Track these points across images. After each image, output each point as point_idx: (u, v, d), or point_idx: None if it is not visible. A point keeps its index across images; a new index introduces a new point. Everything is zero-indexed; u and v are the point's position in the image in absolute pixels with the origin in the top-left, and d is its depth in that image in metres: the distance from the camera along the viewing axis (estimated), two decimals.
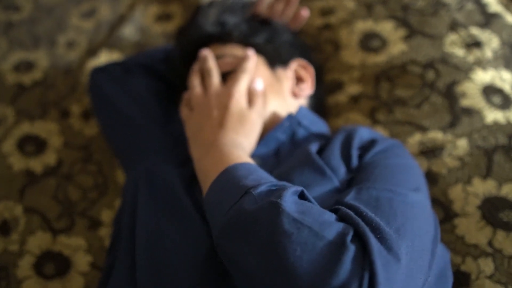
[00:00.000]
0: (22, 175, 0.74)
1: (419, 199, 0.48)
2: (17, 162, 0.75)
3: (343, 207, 0.42)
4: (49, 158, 0.76)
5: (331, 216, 0.40)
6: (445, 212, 0.59)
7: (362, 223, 0.39)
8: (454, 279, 0.52)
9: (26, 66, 0.88)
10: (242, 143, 0.55)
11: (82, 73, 0.85)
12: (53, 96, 0.83)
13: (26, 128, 0.79)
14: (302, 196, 0.43)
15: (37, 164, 0.75)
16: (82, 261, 0.66)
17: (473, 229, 0.56)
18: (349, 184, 0.51)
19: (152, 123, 0.69)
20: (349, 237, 0.37)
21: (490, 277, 0.52)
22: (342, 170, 0.52)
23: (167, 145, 0.66)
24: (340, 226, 0.38)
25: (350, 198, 0.45)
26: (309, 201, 0.43)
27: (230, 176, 0.46)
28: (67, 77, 0.87)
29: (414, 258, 0.40)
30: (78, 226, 0.69)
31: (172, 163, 0.62)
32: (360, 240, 0.37)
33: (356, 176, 0.51)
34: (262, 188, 0.42)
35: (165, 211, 0.54)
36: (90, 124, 0.80)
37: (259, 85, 0.61)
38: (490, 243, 0.54)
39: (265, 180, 0.45)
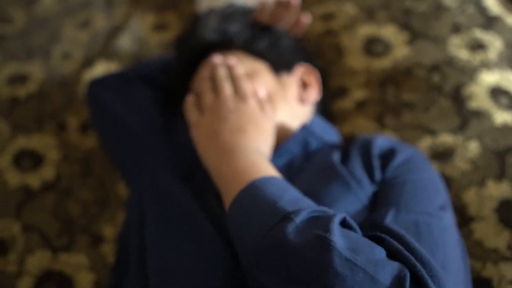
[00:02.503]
0: (18, 191, 0.71)
1: (450, 219, 0.47)
2: (13, 178, 0.72)
3: (387, 237, 0.40)
4: (47, 173, 0.73)
5: (381, 252, 0.37)
6: (461, 217, 0.57)
7: (418, 265, 0.36)
8: (475, 286, 0.51)
9: (20, 79, 0.86)
10: (264, 151, 0.53)
11: (79, 84, 0.83)
12: (49, 109, 0.81)
13: (22, 142, 0.76)
14: (344, 222, 0.40)
15: (34, 180, 0.72)
16: (84, 280, 0.63)
17: (491, 233, 0.55)
18: (374, 198, 0.49)
19: (154, 134, 0.66)
20: (407, 283, 0.34)
21: None
22: (365, 182, 0.50)
23: (171, 156, 0.64)
24: (394, 267, 0.36)
25: (389, 221, 0.43)
26: (353, 228, 0.41)
27: (262, 193, 0.43)
28: (63, 89, 0.84)
29: None
30: (79, 243, 0.66)
31: (177, 174, 0.60)
32: (417, 283, 0.35)
33: (384, 192, 0.49)
34: (304, 215, 0.39)
35: (177, 228, 0.51)
36: (88, 136, 0.77)
37: (262, 92, 0.59)
38: (509, 247, 0.53)
39: (303, 203, 0.42)
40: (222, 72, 0.60)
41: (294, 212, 0.39)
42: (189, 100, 0.61)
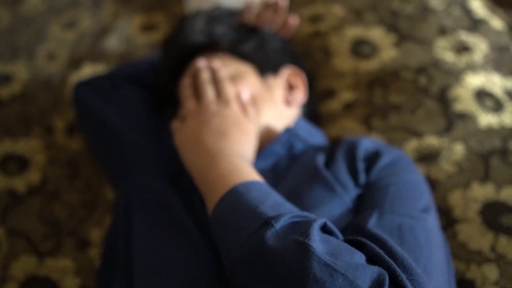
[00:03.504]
0: (4, 195, 0.69)
1: (433, 221, 0.48)
2: None
3: (368, 242, 0.40)
4: (33, 176, 0.72)
5: (361, 257, 0.38)
6: (446, 219, 0.58)
7: (398, 269, 0.37)
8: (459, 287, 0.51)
9: (3, 79, 0.84)
10: (247, 155, 0.53)
11: (65, 86, 0.82)
12: (34, 111, 0.80)
13: (7, 146, 0.75)
14: (324, 227, 0.41)
15: (20, 183, 0.71)
16: (70, 284, 0.62)
17: (475, 235, 0.55)
18: (358, 201, 0.49)
19: (141, 136, 0.66)
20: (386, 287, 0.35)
21: (495, 283, 0.51)
22: (350, 185, 0.50)
23: (158, 158, 0.64)
24: (374, 272, 0.36)
25: (372, 225, 0.43)
26: (333, 233, 0.41)
27: (243, 198, 0.43)
28: (49, 91, 0.83)
29: None
30: (65, 247, 0.65)
31: (164, 177, 0.59)
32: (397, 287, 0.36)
33: (368, 195, 0.49)
34: (284, 220, 0.39)
35: (163, 231, 0.51)
36: (75, 138, 0.76)
37: (245, 95, 0.59)
38: (493, 249, 0.54)
39: (284, 208, 0.42)
40: (205, 76, 0.60)
41: (275, 218, 0.39)
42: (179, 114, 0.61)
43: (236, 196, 0.44)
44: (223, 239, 0.43)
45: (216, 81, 0.60)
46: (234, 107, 0.57)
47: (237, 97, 0.59)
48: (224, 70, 0.61)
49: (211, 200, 0.47)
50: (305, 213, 0.42)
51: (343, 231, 0.44)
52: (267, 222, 0.39)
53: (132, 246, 0.53)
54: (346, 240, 0.41)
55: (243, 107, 0.58)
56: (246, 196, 0.43)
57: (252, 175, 0.48)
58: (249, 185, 0.45)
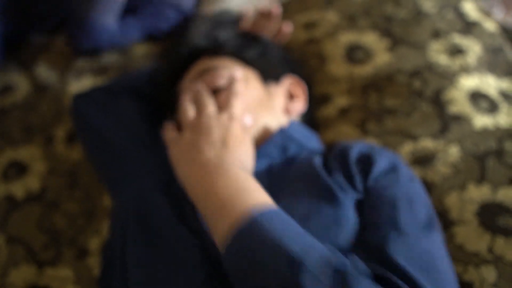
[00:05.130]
0: (3, 201, 0.70)
1: (439, 231, 0.49)
2: None
3: (394, 277, 0.41)
4: (32, 183, 0.73)
5: None
6: (443, 221, 0.58)
7: None
8: None
9: (5, 89, 0.86)
10: (248, 165, 0.52)
11: (66, 95, 0.83)
12: (35, 120, 0.81)
13: (9, 155, 0.76)
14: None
15: (18, 189, 0.72)
16: None
17: (472, 237, 0.55)
18: (359, 207, 0.49)
19: (138, 147, 0.66)
20: None
21: (494, 285, 0.51)
22: (349, 190, 0.50)
23: (155, 168, 0.64)
24: None
25: (393, 251, 0.43)
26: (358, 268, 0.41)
27: (264, 231, 0.40)
28: (50, 100, 0.85)
29: None
30: (65, 257, 0.66)
31: (160, 188, 0.59)
32: None
33: (374, 204, 0.49)
34: (318, 261, 0.38)
35: (157, 242, 0.51)
36: (75, 148, 0.77)
37: (248, 120, 0.57)
38: (490, 250, 0.53)
39: (309, 242, 0.41)
40: (204, 94, 0.58)
41: (307, 259, 0.38)
42: (169, 124, 0.60)
43: (258, 230, 0.41)
44: (245, 278, 0.40)
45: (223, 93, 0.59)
46: (237, 121, 0.55)
47: (241, 111, 0.57)
48: (240, 85, 0.59)
49: (217, 224, 0.44)
50: (333, 252, 0.41)
51: (351, 240, 0.45)
52: (300, 263, 0.38)
53: (126, 256, 0.53)
54: (377, 277, 0.41)
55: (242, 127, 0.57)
56: (266, 228, 0.41)
57: (261, 195, 0.46)
58: (268, 215, 0.42)
